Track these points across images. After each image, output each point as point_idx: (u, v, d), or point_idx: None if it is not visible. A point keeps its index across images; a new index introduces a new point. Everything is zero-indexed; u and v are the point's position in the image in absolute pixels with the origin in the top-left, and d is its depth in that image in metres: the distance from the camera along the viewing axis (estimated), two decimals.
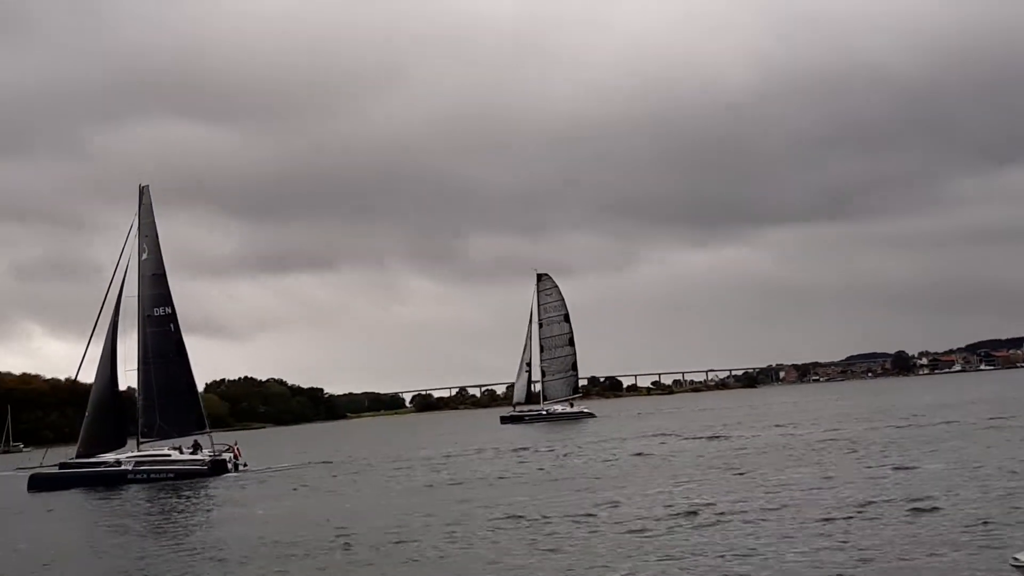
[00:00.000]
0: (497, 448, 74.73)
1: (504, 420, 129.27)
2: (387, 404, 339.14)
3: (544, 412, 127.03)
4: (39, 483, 62.38)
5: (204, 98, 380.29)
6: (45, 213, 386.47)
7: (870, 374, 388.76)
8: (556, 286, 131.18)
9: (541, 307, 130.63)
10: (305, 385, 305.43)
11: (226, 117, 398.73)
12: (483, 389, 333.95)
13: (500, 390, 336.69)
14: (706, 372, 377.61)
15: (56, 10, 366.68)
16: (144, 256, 67.91)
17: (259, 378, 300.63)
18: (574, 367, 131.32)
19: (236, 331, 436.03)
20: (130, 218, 69.49)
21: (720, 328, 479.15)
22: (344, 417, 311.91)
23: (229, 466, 64.05)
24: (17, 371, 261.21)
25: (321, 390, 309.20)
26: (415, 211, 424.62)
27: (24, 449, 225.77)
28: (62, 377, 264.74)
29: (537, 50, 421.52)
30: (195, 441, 66.99)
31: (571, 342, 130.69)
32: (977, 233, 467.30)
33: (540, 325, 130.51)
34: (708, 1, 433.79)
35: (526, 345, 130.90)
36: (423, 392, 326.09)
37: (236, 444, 69.34)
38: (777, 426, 77.93)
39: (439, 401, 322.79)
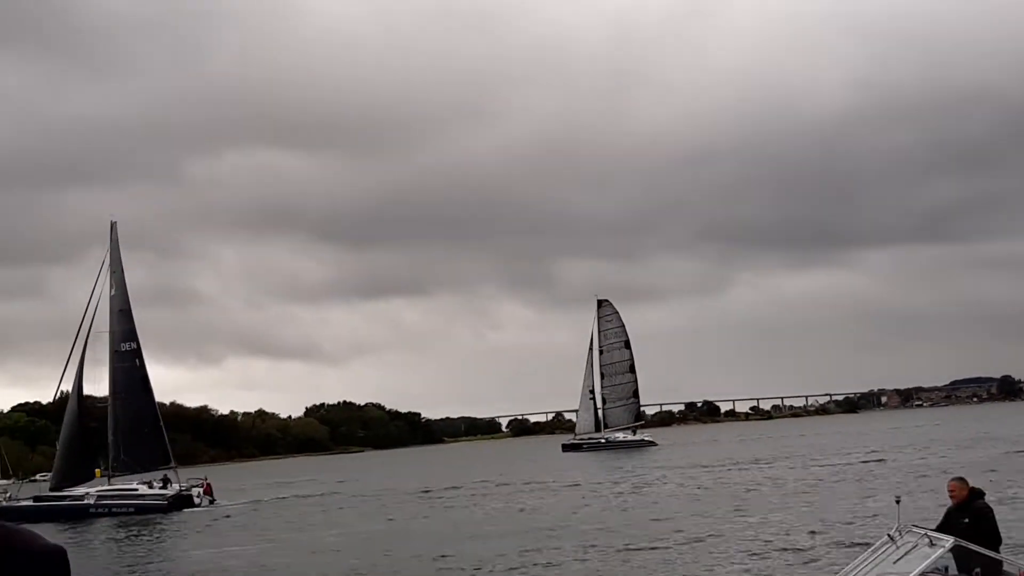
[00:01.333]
0: (507, 482, 71.07)
1: (565, 448, 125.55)
2: (483, 429, 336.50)
3: (603, 440, 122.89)
4: (6, 516, 60.42)
5: (298, 128, 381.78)
6: (144, 241, 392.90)
7: (975, 399, 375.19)
8: (616, 312, 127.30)
9: (601, 333, 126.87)
10: (403, 410, 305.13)
11: (319, 147, 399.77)
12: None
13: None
14: (806, 397, 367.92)
15: (149, 47, 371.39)
16: (112, 292, 66.14)
17: (358, 402, 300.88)
18: (635, 394, 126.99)
19: (331, 355, 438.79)
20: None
21: (819, 352, 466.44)
22: (441, 441, 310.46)
23: (196, 501, 61.57)
24: (103, 395, 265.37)
25: (419, 415, 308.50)
26: (507, 238, 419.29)
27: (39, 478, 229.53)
28: (168, 401, 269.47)
29: (629, 76, 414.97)
30: (164, 476, 64.68)
31: (632, 369, 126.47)
32: None
33: (600, 352, 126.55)
34: (802, 23, 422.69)
35: (587, 372, 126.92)
36: (519, 416, 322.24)
37: (206, 479, 66.80)
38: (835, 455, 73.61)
39: (535, 426, 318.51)
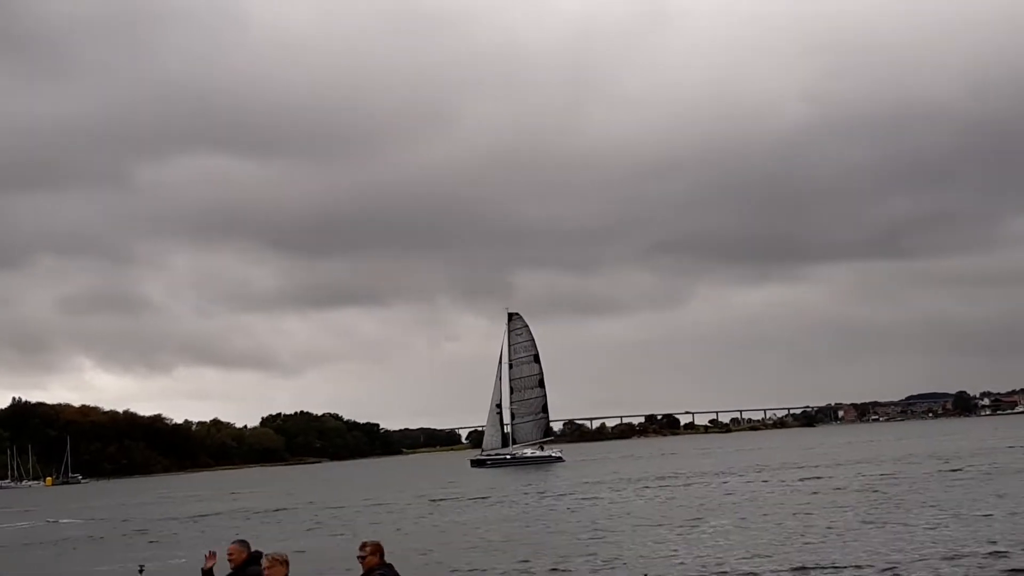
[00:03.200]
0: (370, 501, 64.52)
1: (474, 464, 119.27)
2: (443, 440, 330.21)
3: (508, 456, 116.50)
4: None
5: (250, 134, 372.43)
6: (90, 246, 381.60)
7: (931, 414, 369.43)
8: (527, 326, 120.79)
9: (511, 347, 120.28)
10: (361, 420, 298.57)
11: (271, 153, 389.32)
12: None
13: (557, 427, 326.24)
14: (764, 411, 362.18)
15: (98, 50, 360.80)
16: None
17: (315, 413, 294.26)
18: (544, 409, 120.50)
19: (285, 365, 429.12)
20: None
21: (778, 366, 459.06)
22: (400, 452, 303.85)
23: None
24: (68, 402, 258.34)
25: (377, 425, 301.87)
26: (465, 248, 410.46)
27: (83, 480, 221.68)
28: (120, 409, 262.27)
29: (586, 86, 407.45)
30: None
31: (541, 383, 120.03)
32: None
33: (510, 366, 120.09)
34: (758, 36, 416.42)
35: (495, 387, 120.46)
36: (479, 428, 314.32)
37: None
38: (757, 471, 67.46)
39: None
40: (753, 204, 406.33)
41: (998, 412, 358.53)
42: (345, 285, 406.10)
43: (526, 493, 63.53)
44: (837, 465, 73.75)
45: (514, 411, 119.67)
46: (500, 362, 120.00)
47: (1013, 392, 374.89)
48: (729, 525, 36.58)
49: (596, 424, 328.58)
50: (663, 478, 71.87)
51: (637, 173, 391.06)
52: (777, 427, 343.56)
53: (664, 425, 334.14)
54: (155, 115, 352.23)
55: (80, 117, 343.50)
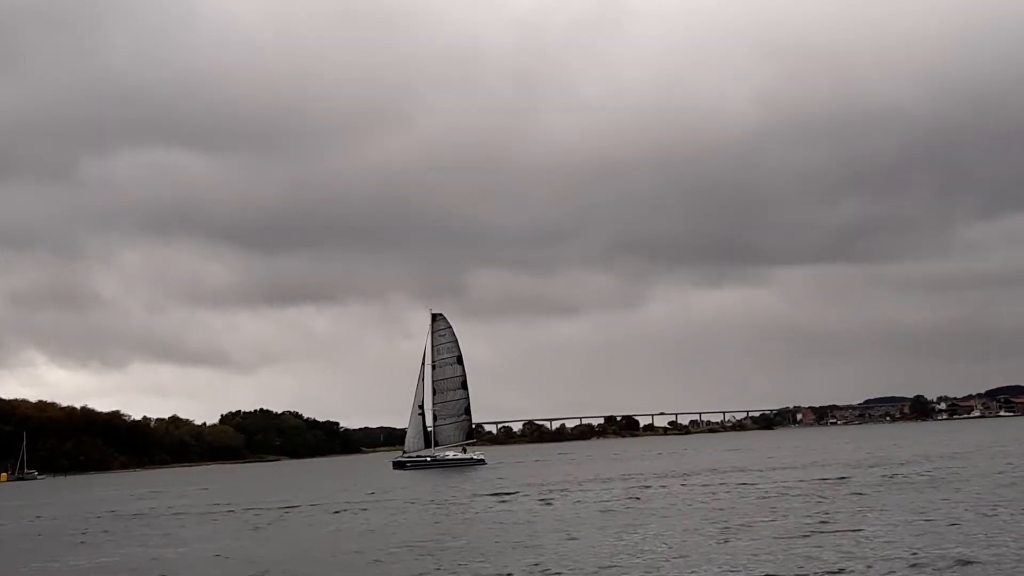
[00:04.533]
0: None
1: (395, 465, 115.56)
2: (403, 439, 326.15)
3: (429, 459, 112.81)
4: None
5: (200, 129, 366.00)
6: (39, 240, 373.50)
7: (888, 418, 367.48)
8: (450, 327, 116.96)
9: (435, 348, 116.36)
10: (321, 419, 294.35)
11: (220, 148, 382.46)
12: (499, 426, 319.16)
13: (517, 427, 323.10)
14: (723, 413, 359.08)
15: (45, 42, 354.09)
16: None
17: (275, 410, 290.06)
18: (467, 411, 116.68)
19: (240, 362, 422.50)
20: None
21: (737, 369, 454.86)
22: (359, 451, 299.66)
23: None
24: (23, 397, 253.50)
25: (337, 424, 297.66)
26: (420, 247, 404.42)
27: (39, 476, 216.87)
28: (77, 405, 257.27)
29: (542, 87, 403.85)
30: None
31: (464, 385, 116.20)
32: (992, 278, 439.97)
33: (433, 367, 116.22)
34: (714, 40, 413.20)
35: (417, 388, 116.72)
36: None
37: None
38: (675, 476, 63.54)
39: None
40: (709, 207, 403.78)
41: (955, 416, 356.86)
42: (299, 282, 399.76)
43: (411, 502, 59.52)
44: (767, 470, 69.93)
45: (436, 413, 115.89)
46: (423, 363, 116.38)
47: (969, 396, 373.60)
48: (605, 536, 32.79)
49: (556, 425, 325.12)
50: (571, 483, 67.68)
51: (592, 175, 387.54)
52: (736, 429, 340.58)
53: (623, 427, 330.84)
54: (101, 109, 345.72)
55: (24, 110, 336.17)
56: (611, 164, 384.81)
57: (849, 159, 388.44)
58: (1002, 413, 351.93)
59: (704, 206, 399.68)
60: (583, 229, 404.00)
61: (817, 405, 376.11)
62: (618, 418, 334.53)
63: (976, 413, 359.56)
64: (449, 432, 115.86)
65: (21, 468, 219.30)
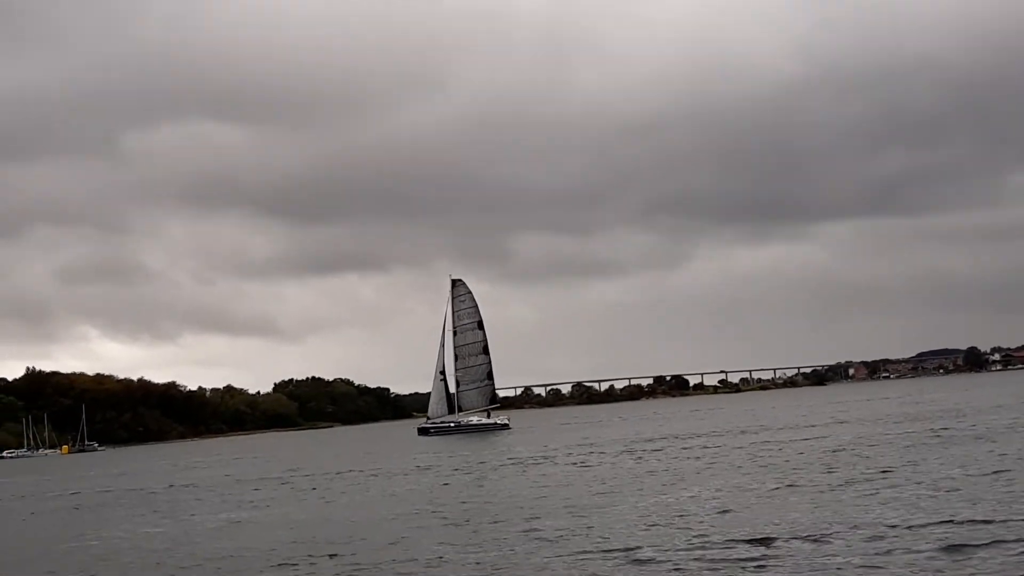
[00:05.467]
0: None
1: (420, 432, 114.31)
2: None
3: (452, 424, 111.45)
4: None
5: (238, 100, 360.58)
6: (84, 215, 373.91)
7: (941, 371, 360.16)
8: (470, 292, 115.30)
9: (455, 314, 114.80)
10: (372, 385, 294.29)
11: (259, 118, 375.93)
12: (548, 389, 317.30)
13: (565, 389, 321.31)
14: (774, 370, 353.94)
15: (82, 16, 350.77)
16: None
17: (326, 378, 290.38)
18: (489, 376, 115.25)
19: (288, 332, 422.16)
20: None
21: (786, 325, 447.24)
22: (411, 416, 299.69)
23: None
24: (79, 371, 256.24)
25: (387, 390, 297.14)
26: (458, 212, 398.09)
27: (99, 448, 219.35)
28: (132, 377, 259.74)
29: (578, 47, 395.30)
30: None
31: (486, 350, 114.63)
32: None
33: (454, 333, 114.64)
34: None
35: (439, 354, 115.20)
36: None
37: None
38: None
39: (504, 400, 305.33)
40: (749, 162, 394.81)
41: (1009, 367, 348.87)
42: (341, 251, 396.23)
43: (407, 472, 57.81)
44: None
45: (459, 378, 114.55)
46: (444, 329, 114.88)
47: (1023, 347, 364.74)
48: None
49: (604, 386, 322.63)
50: (592, 445, 65.33)
51: (629, 132, 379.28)
52: (788, 386, 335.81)
53: (673, 386, 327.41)
54: (140, 83, 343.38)
55: (63, 85, 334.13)
56: (648, 121, 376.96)
57: (891, 110, 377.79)
58: None
59: (744, 162, 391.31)
60: (622, 188, 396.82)
61: (869, 359, 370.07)
62: (667, 378, 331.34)
63: None
64: (472, 397, 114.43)
65: (82, 440, 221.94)
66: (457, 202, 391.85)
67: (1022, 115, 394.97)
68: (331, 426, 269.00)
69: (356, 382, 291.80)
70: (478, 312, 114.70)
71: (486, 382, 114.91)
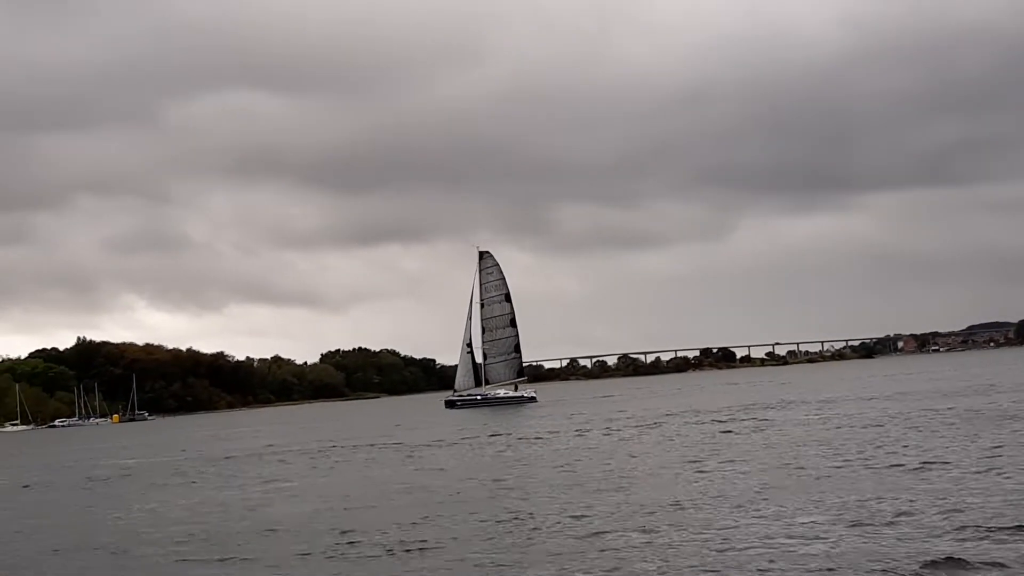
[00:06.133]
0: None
1: (447, 404, 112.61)
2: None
3: (479, 397, 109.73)
4: None
5: (278, 70, 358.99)
6: (127, 186, 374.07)
7: (992, 344, 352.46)
8: (497, 264, 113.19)
9: (483, 286, 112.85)
10: (417, 356, 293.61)
11: (302, 88, 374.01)
12: (594, 360, 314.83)
13: (611, 361, 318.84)
14: (822, 343, 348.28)
15: None
16: None
17: (372, 348, 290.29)
18: (517, 349, 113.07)
19: (333, 302, 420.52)
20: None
21: (834, 297, 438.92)
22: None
23: None
24: (129, 341, 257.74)
25: (433, 361, 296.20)
26: (501, 182, 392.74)
27: (148, 417, 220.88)
28: (181, 347, 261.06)
29: (620, 17, 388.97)
30: None
31: (513, 323, 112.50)
32: None
33: (482, 305, 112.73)
34: None
35: (466, 327, 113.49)
36: (534, 363, 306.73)
37: None
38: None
39: (550, 372, 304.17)
40: (795, 133, 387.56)
41: None
42: (384, 222, 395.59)
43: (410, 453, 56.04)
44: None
45: (486, 351, 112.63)
46: (471, 301, 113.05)
47: None
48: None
49: (651, 358, 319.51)
50: (612, 421, 62.89)
51: (673, 103, 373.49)
52: (836, 359, 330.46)
53: (720, 359, 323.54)
54: (182, 53, 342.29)
55: (104, 57, 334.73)
56: (692, 91, 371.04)
57: (940, 79, 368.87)
58: None
59: (791, 132, 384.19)
60: (666, 159, 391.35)
61: (918, 332, 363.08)
62: (714, 350, 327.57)
63: None
64: (499, 370, 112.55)
65: (132, 409, 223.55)
66: (499, 173, 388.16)
67: None
68: (377, 396, 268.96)
69: (402, 353, 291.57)
70: (505, 285, 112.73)
71: (513, 355, 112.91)
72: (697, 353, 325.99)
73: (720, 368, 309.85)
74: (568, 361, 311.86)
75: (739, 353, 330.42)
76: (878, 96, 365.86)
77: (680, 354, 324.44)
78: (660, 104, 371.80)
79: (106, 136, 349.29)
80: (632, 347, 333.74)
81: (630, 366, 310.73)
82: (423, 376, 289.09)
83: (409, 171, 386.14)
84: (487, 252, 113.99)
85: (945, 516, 19.52)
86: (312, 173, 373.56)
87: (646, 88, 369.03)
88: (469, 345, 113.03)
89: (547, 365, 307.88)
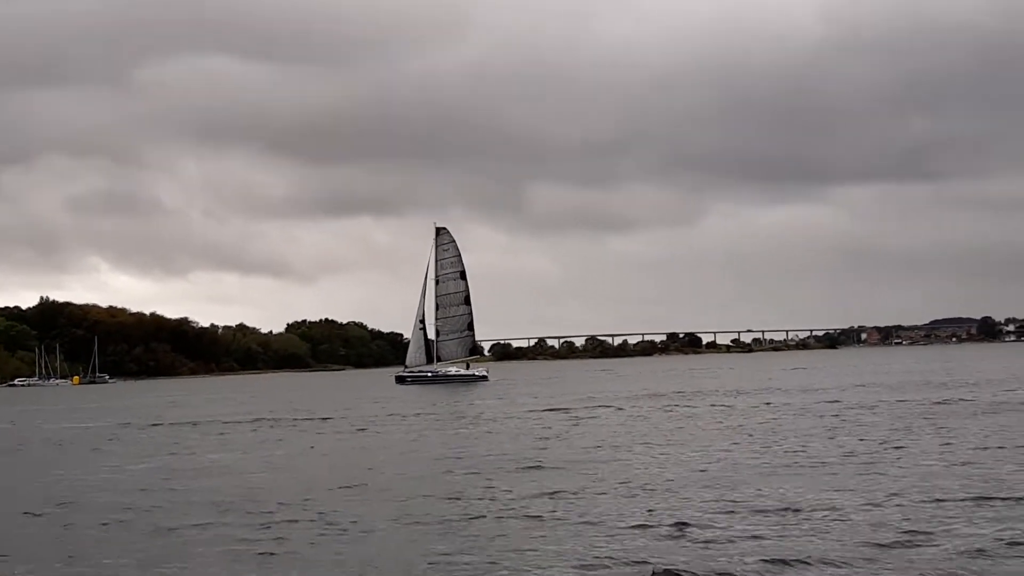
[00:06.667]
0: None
1: (398, 380, 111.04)
2: (477, 351, 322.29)
3: (429, 374, 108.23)
4: None
5: (252, 36, 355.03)
6: (95, 147, 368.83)
7: (955, 339, 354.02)
8: (454, 241, 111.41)
9: (438, 263, 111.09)
10: (385, 329, 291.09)
11: (276, 55, 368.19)
12: (562, 341, 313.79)
13: (579, 342, 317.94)
14: (786, 332, 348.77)
15: None
16: None
17: (339, 320, 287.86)
18: (470, 327, 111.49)
19: (301, 272, 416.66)
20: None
21: (801, 287, 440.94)
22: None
23: None
24: (92, 303, 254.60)
25: (400, 335, 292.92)
26: (481, 159, 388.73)
27: (109, 380, 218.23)
28: (144, 311, 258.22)
29: None
30: None
31: (467, 300, 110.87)
32: None
33: (436, 282, 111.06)
34: None
35: (420, 303, 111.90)
36: (502, 341, 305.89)
37: None
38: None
39: (518, 351, 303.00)
40: (771, 122, 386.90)
41: (1022, 338, 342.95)
42: (356, 194, 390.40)
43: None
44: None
45: (439, 328, 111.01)
46: (426, 278, 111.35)
47: None
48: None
49: (618, 341, 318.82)
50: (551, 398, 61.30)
51: (649, 86, 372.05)
52: (799, 348, 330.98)
53: (686, 344, 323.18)
54: (156, 15, 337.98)
55: (75, 15, 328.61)
56: (669, 76, 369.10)
57: (915, 74, 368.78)
58: None
59: (766, 121, 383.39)
60: (641, 142, 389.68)
61: (882, 325, 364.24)
62: (681, 335, 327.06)
63: None
64: (451, 348, 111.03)
65: (93, 371, 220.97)
66: (475, 149, 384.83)
67: None
68: (343, 369, 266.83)
69: (370, 326, 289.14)
70: (461, 262, 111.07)
71: (466, 332, 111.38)
72: (664, 338, 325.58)
73: (686, 353, 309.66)
74: (536, 341, 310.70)
75: (705, 339, 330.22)
76: (854, 89, 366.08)
77: (647, 338, 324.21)
78: (640, 86, 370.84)
79: (78, 96, 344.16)
80: (601, 329, 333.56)
81: (597, 348, 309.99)
82: (390, 350, 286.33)
83: (385, 143, 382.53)
84: (444, 228, 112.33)
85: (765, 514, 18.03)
86: (286, 141, 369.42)
87: (627, 71, 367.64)
88: (422, 322, 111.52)
89: (515, 344, 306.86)
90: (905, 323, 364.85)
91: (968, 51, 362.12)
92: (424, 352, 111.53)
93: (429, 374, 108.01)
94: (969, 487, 20.82)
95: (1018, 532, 16.23)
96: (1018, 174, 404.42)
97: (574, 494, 21.91)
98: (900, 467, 24.73)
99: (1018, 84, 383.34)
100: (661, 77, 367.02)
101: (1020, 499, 19.24)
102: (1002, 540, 15.80)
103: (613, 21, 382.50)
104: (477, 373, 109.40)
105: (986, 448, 28.20)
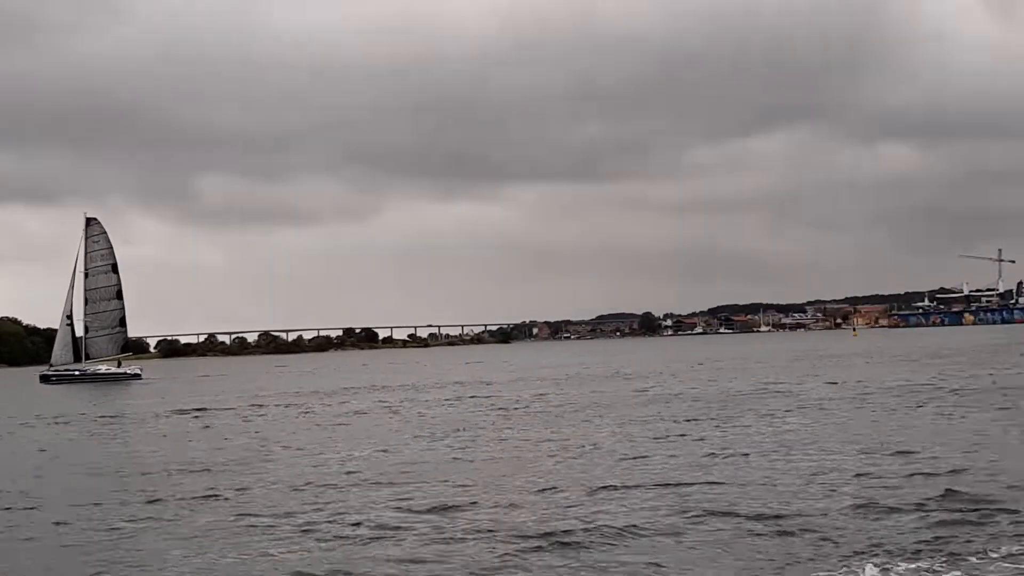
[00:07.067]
0: None
1: (42, 379, 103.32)
2: (132, 347, 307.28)
3: (77, 373, 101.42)
4: None
5: None
6: None
7: (618, 333, 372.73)
8: (105, 232, 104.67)
9: (88, 255, 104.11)
10: (43, 326, 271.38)
11: None
12: (233, 337, 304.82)
13: (252, 338, 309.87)
14: (462, 327, 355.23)
15: None
16: None
17: None
18: (122, 323, 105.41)
19: None
20: None
21: (475, 283, 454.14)
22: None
23: None
24: None
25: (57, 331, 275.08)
26: (147, 148, 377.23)
27: None
28: None
29: None
30: None
31: (119, 295, 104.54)
32: (718, 201, 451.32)
33: (86, 275, 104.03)
34: None
35: (67, 297, 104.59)
36: (169, 338, 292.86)
37: None
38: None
39: (187, 347, 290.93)
40: (445, 120, 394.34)
41: (679, 332, 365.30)
42: (8, 181, 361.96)
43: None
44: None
45: (88, 324, 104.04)
46: (74, 271, 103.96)
47: (693, 314, 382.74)
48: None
49: (292, 336, 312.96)
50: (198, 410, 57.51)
51: (323, 78, 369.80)
52: (474, 343, 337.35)
53: (363, 338, 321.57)
54: None
55: None
56: (344, 68, 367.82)
57: (586, 80, 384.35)
58: (722, 330, 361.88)
59: (440, 119, 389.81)
60: (315, 135, 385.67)
61: (552, 320, 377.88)
62: (357, 330, 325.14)
63: (699, 330, 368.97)
64: (102, 345, 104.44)
65: None
66: (141, 138, 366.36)
67: (711, 92, 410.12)
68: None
69: (25, 321, 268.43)
70: (113, 255, 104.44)
71: (118, 329, 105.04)
72: (340, 332, 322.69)
73: (362, 348, 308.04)
74: (206, 336, 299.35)
75: (382, 334, 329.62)
76: (525, 90, 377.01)
77: (323, 333, 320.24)
78: (311, 79, 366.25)
79: None
80: (274, 324, 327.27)
81: (271, 343, 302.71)
82: (46, 347, 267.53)
83: (41, 130, 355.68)
84: (94, 219, 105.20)
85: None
86: None
87: (297, 62, 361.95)
88: (69, 317, 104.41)
89: (183, 340, 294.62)
90: (574, 318, 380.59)
91: (635, 61, 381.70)
92: (71, 349, 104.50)
93: (76, 373, 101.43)
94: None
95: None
96: (678, 179, 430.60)
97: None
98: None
99: (682, 94, 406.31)
100: (335, 70, 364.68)
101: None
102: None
103: (286, 10, 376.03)
104: (129, 372, 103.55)
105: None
